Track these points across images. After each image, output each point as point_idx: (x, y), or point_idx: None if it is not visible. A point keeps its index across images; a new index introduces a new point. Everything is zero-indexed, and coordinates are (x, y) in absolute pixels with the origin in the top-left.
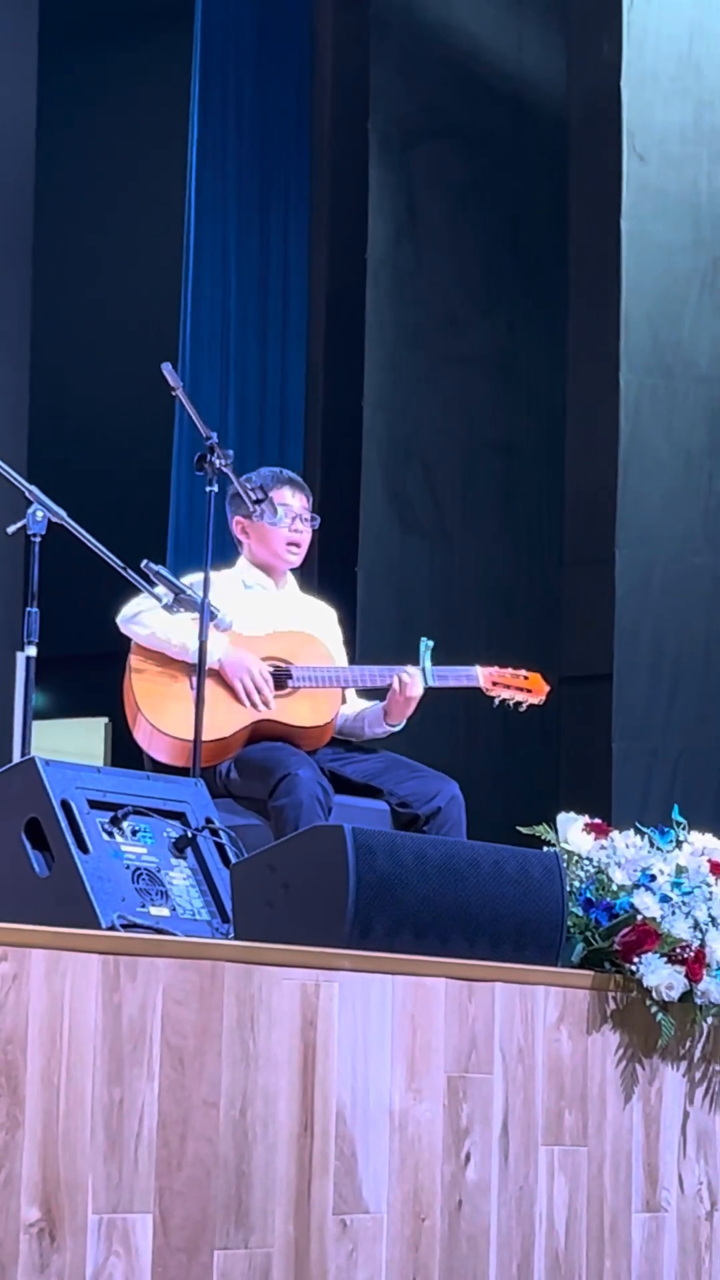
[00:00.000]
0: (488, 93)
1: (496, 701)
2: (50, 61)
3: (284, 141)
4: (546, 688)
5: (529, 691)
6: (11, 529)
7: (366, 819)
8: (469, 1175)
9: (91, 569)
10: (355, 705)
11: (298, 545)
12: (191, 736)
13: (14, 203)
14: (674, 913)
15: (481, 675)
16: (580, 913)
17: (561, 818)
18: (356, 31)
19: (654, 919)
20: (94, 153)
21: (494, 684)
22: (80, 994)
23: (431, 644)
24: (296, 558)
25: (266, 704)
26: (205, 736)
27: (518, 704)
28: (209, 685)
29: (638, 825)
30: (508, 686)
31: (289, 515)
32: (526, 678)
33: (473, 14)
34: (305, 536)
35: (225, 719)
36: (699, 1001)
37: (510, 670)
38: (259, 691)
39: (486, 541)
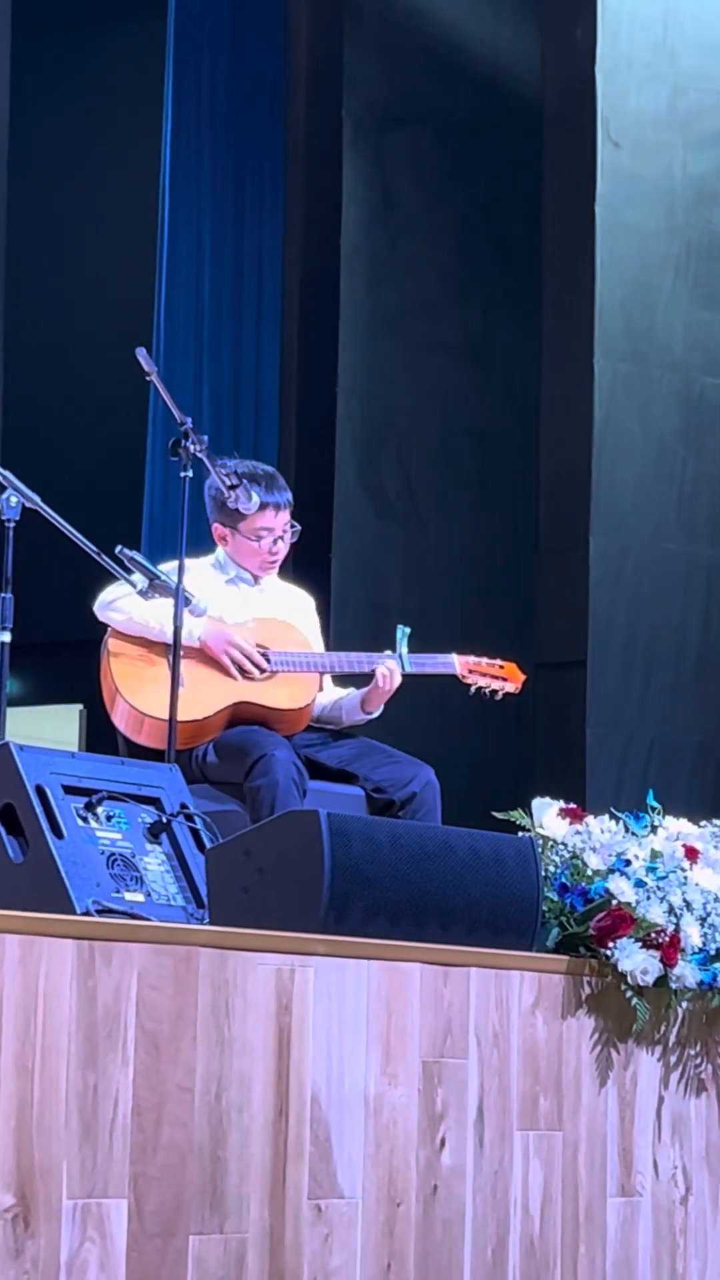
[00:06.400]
0: (462, 79)
1: (473, 690)
2: (23, 46)
3: (258, 127)
4: (522, 676)
5: (504, 680)
6: None
7: (342, 805)
8: (444, 1160)
9: (66, 555)
10: (332, 694)
11: (275, 563)
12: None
13: None
14: (649, 897)
15: (458, 663)
16: (555, 897)
17: (536, 803)
18: (331, 17)
19: (629, 904)
20: (68, 137)
21: (470, 672)
22: (55, 979)
23: (409, 631)
24: (273, 569)
25: (259, 666)
26: (184, 717)
27: (493, 692)
28: (188, 667)
29: (612, 810)
30: (484, 674)
31: (270, 538)
32: (502, 666)
33: (447, 0)
34: (283, 551)
35: (205, 700)
36: (674, 986)
37: (486, 659)
38: (249, 659)
39: (461, 528)
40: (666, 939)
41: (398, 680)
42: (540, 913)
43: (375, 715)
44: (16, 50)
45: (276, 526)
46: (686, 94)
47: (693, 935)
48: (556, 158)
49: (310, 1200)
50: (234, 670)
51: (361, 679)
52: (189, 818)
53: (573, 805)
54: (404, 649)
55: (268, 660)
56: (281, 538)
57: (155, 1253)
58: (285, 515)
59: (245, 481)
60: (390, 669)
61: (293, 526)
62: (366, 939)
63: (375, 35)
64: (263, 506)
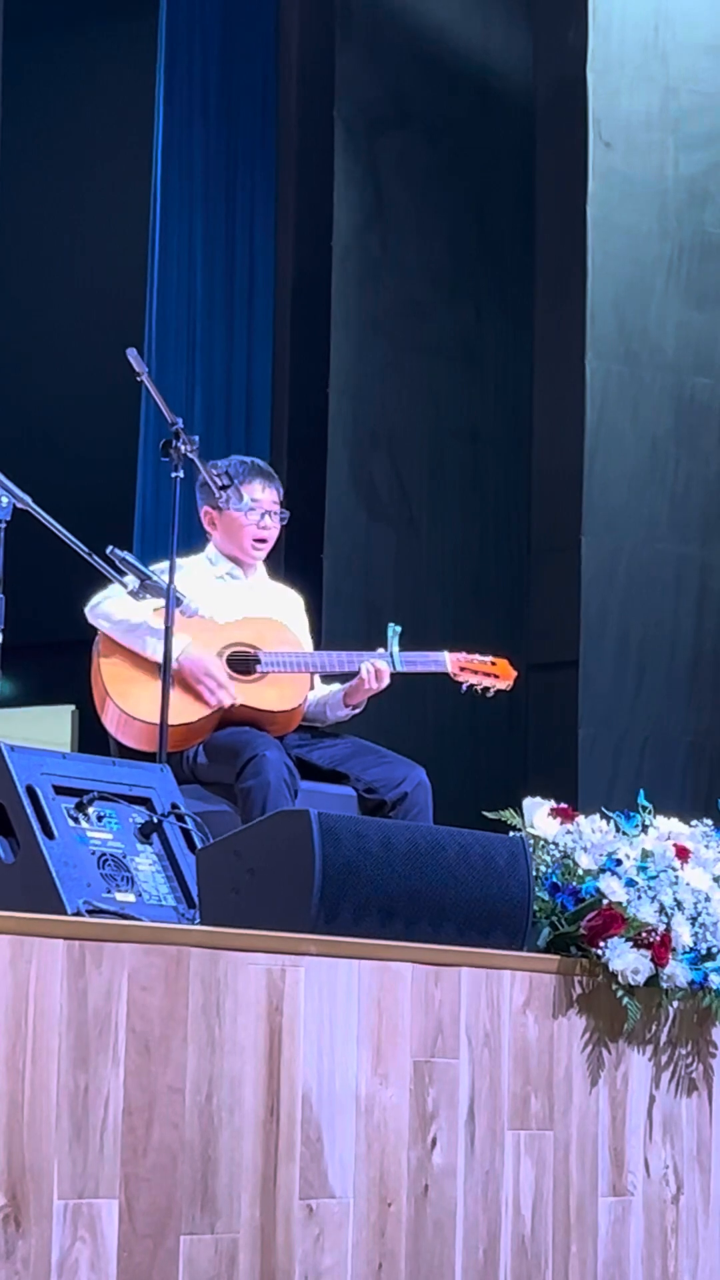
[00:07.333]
0: (454, 80)
1: (464, 687)
2: (14, 45)
3: (249, 128)
4: (514, 673)
5: (496, 677)
6: None
7: (333, 805)
8: (435, 1160)
9: (57, 556)
10: (317, 691)
11: (264, 541)
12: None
13: None
14: (640, 897)
15: (449, 661)
16: (546, 897)
17: (527, 802)
18: (322, 18)
19: (620, 903)
20: (60, 138)
21: (461, 669)
22: (45, 980)
23: (400, 629)
24: (262, 553)
25: (231, 696)
26: (174, 721)
27: (485, 689)
28: (178, 671)
29: (604, 810)
30: (475, 672)
31: (259, 510)
32: (494, 663)
33: (439, 0)
34: (273, 532)
35: (194, 704)
36: (664, 985)
37: (478, 656)
38: (223, 688)
39: (453, 528)
40: (657, 938)
41: (386, 680)
42: (531, 912)
43: (359, 710)
44: (8, 48)
45: (265, 500)
46: (678, 95)
47: (683, 935)
48: (548, 159)
49: (301, 1200)
50: (210, 699)
51: (351, 679)
52: (180, 818)
53: (564, 805)
54: (395, 647)
55: (258, 661)
56: (270, 513)
57: (146, 1253)
58: (273, 494)
59: (236, 481)
60: (378, 668)
61: (283, 512)
62: (357, 939)
63: (366, 36)
64: (251, 477)
